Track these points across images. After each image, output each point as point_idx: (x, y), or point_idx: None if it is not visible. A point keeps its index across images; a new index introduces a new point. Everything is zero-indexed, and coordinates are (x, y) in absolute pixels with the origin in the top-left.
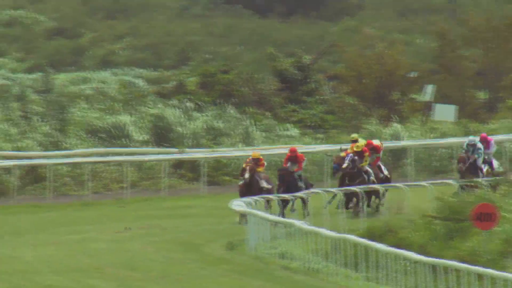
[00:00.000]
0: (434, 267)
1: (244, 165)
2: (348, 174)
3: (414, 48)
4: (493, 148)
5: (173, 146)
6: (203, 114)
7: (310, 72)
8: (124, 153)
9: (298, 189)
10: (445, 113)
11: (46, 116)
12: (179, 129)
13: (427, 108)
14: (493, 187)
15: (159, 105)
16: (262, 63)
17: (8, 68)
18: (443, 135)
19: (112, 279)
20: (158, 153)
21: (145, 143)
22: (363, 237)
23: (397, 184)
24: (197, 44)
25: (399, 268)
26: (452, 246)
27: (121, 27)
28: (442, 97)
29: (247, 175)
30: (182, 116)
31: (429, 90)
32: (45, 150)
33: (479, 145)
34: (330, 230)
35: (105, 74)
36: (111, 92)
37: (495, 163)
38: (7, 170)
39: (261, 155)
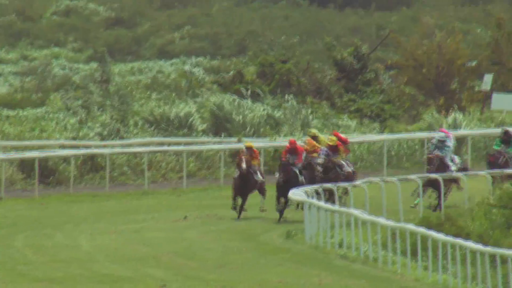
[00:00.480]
0: (492, 256)
1: (239, 156)
2: (323, 168)
3: (473, 37)
4: (452, 143)
5: (231, 135)
6: (262, 103)
7: (368, 62)
8: (182, 143)
9: (299, 183)
10: (504, 102)
11: (105, 106)
12: (237, 118)
13: (486, 97)
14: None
15: (217, 95)
16: (320, 52)
17: (66, 58)
18: (502, 124)
19: (169, 267)
20: (216, 143)
21: (203, 132)
22: (421, 226)
23: (457, 174)
24: (256, 34)
25: (458, 257)
26: (511, 235)
27: (179, 16)
28: (500, 87)
29: (244, 165)
30: (241, 105)
31: (488, 80)
32: (103, 140)
33: (448, 142)
34: (388, 219)
35: (163, 64)
36: (169, 81)
37: (456, 159)
38: (66, 159)
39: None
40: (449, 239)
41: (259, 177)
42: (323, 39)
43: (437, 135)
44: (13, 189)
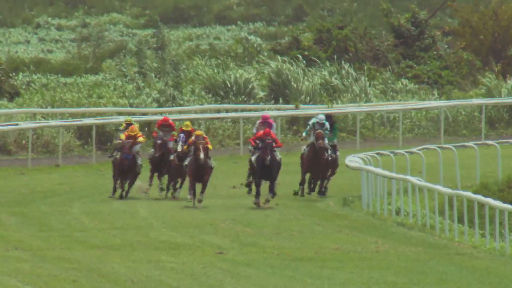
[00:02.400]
0: None
1: (196, 145)
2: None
3: None
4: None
5: (288, 102)
6: (319, 70)
7: (425, 28)
8: (239, 110)
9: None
10: None
11: (161, 73)
12: (295, 85)
13: None
14: None
15: (274, 61)
16: (378, 19)
17: (123, 23)
18: None
19: (226, 234)
20: (273, 109)
21: (262, 99)
22: (478, 193)
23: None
24: (313, 0)
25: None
26: None
27: None
28: None
29: (202, 156)
30: (298, 72)
31: None
32: (160, 106)
33: (327, 125)
34: (444, 187)
35: (221, 30)
36: (226, 48)
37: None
38: None
39: (378, 111)
40: (507, 206)
41: (211, 164)
42: (381, 5)
43: (316, 118)
44: (71, 156)
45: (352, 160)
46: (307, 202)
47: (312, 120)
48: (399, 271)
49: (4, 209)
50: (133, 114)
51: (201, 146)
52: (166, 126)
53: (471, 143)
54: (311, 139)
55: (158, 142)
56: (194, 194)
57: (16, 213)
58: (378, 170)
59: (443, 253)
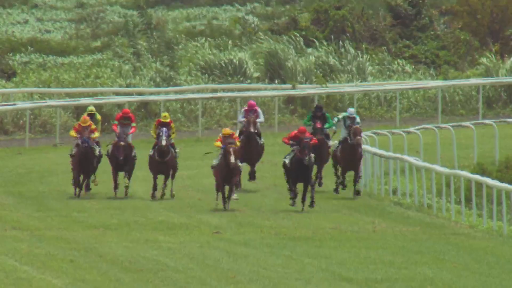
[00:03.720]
0: None
1: (219, 140)
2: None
3: None
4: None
5: (285, 82)
6: (316, 50)
7: (422, 8)
8: (236, 89)
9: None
10: None
11: (157, 53)
12: (291, 65)
13: None
14: None
15: (271, 42)
16: None
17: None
18: None
19: (223, 214)
20: (270, 89)
21: (258, 79)
22: (475, 172)
23: (510, 120)
24: None
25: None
26: None
27: None
28: None
29: (233, 160)
30: (295, 52)
31: None
32: (156, 87)
33: (358, 118)
34: (442, 166)
35: (217, 10)
36: (223, 28)
37: None
38: (120, 106)
39: (375, 91)
40: (504, 185)
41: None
42: None
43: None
44: (68, 135)
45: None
46: None
47: (342, 114)
48: (396, 251)
49: (2, 189)
50: (130, 94)
51: (231, 149)
52: (126, 118)
53: (468, 123)
54: (343, 133)
55: (122, 143)
56: (224, 196)
57: (13, 193)
58: (375, 150)
59: (440, 233)
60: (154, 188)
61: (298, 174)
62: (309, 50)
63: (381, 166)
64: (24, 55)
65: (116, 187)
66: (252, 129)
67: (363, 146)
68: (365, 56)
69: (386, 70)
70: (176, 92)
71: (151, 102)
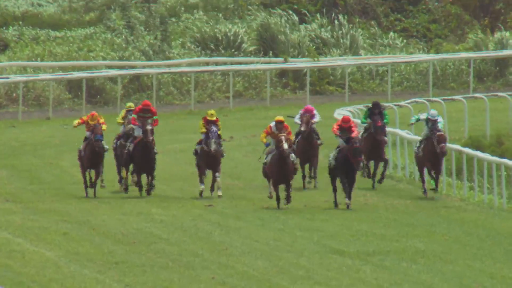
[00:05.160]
0: None
1: (267, 131)
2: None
3: None
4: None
5: (277, 55)
6: (309, 24)
7: None
8: (229, 63)
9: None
10: None
11: (150, 26)
12: (284, 38)
13: None
14: None
15: (264, 15)
16: None
17: None
18: None
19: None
20: (263, 63)
21: (251, 53)
22: (466, 146)
23: (501, 94)
24: None
25: (503, 177)
26: None
27: None
28: None
29: (286, 146)
30: (287, 25)
31: None
32: (149, 60)
33: (440, 119)
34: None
35: None
36: (216, 1)
37: None
38: (113, 79)
39: (367, 64)
40: (495, 159)
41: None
42: None
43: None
44: (61, 109)
45: (341, 113)
46: None
47: (424, 115)
48: (387, 224)
49: None
50: (122, 67)
51: (283, 137)
52: (146, 111)
53: (459, 97)
54: (424, 132)
55: (149, 127)
56: (279, 198)
57: (6, 165)
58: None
59: (431, 206)
60: (202, 181)
61: (344, 172)
62: (302, 24)
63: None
64: (17, 29)
65: (140, 187)
66: (303, 128)
67: (353, 120)
68: (358, 30)
69: (378, 44)
70: (167, 66)
71: (143, 75)
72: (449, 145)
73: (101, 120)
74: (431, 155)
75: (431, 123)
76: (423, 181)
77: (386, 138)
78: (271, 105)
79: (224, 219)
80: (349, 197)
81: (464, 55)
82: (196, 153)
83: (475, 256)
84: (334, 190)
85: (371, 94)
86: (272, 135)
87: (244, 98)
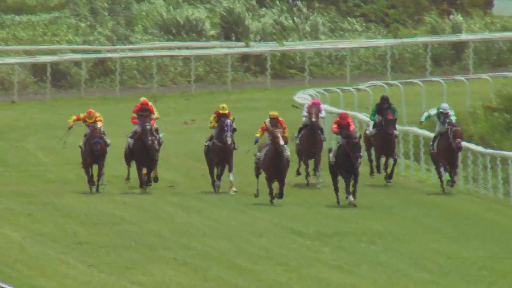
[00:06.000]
0: (493, 158)
1: (263, 127)
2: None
3: None
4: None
5: (239, 40)
6: (271, 9)
7: None
8: (191, 47)
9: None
10: (506, 7)
11: (113, 11)
12: (247, 23)
13: (488, 2)
14: None
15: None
16: None
17: None
18: (503, 28)
19: (178, 169)
20: (224, 47)
21: (213, 37)
22: (424, 128)
23: (458, 77)
24: None
25: (460, 159)
26: (511, 137)
27: None
28: None
29: (282, 142)
30: (249, 10)
31: None
32: (112, 44)
33: (452, 113)
34: None
35: None
36: None
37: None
38: (77, 63)
39: (326, 49)
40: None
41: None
42: None
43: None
44: (26, 92)
45: (301, 96)
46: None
47: (434, 111)
48: (346, 205)
49: None
50: (87, 51)
51: (278, 133)
52: (145, 110)
53: (416, 80)
54: (438, 128)
55: (148, 127)
56: (272, 193)
57: None
58: (326, 107)
59: (390, 188)
60: (218, 177)
61: (345, 168)
62: (263, 9)
63: (332, 122)
64: None
65: (142, 183)
66: (314, 119)
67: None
68: (318, 15)
69: (337, 29)
70: (131, 50)
71: (107, 59)
72: (406, 127)
73: (98, 117)
74: (446, 151)
75: (443, 116)
76: (440, 178)
77: (396, 132)
78: (232, 89)
79: (186, 201)
80: (353, 194)
81: (421, 39)
82: (208, 149)
83: (432, 237)
84: (336, 189)
85: (330, 78)
86: (268, 131)
87: (206, 82)
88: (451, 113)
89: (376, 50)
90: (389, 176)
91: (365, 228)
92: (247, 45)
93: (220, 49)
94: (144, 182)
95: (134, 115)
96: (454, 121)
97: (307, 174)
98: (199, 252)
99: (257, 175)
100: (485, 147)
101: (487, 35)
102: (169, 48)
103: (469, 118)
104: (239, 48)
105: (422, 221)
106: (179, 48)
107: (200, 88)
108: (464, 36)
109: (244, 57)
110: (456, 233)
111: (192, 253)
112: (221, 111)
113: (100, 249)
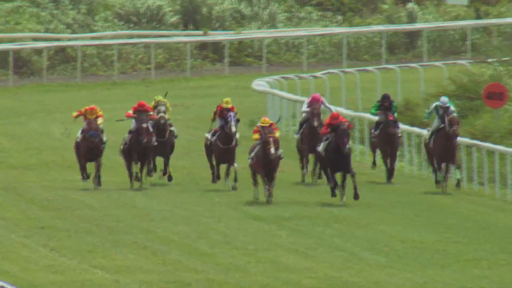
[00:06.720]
0: None
1: (256, 131)
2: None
3: None
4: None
5: (198, 28)
6: None
7: None
8: (151, 35)
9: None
10: None
11: (75, 0)
12: (205, 11)
13: None
14: None
15: None
16: None
17: None
18: (456, 17)
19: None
20: (183, 36)
21: (173, 25)
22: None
23: (412, 65)
24: None
25: (413, 145)
26: (464, 123)
27: None
28: None
29: (273, 150)
30: None
31: None
32: (74, 33)
33: (452, 107)
34: (347, 109)
35: None
36: None
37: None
38: (38, 51)
39: (284, 37)
40: (406, 127)
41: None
42: None
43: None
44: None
45: (259, 84)
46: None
47: (434, 104)
48: (303, 190)
49: None
50: (48, 39)
51: (271, 139)
52: (142, 112)
53: (372, 68)
54: (435, 123)
55: (144, 125)
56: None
57: None
58: (283, 94)
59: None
60: (217, 176)
61: (336, 162)
62: None
63: (289, 109)
64: None
65: (134, 177)
66: (316, 123)
67: (271, 90)
68: (276, 4)
69: (294, 17)
70: (92, 38)
71: (68, 47)
72: (361, 114)
73: (100, 113)
74: (441, 149)
75: (442, 110)
76: (434, 172)
77: (398, 130)
78: (191, 76)
79: (146, 186)
80: (354, 195)
81: (376, 28)
82: (210, 144)
83: (386, 221)
84: (330, 180)
85: (287, 66)
86: (260, 133)
87: (166, 70)
88: (452, 108)
89: (332, 38)
90: (389, 176)
91: (321, 212)
92: (205, 34)
93: (180, 37)
94: (134, 178)
95: (130, 112)
96: (455, 113)
97: (304, 169)
98: (159, 236)
99: (254, 177)
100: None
101: (440, 24)
102: (130, 36)
103: (424, 104)
104: (198, 36)
105: (376, 206)
106: (139, 36)
107: (160, 75)
108: (418, 25)
109: (203, 45)
110: (409, 217)
111: (152, 237)
112: (224, 105)
113: (61, 233)
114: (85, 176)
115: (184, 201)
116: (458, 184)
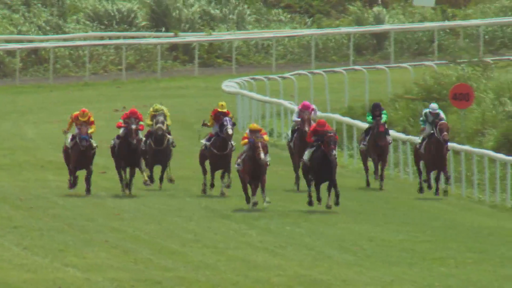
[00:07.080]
0: (413, 145)
1: (245, 137)
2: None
3: None
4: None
5: (168, 30)
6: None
7: None
8: (122, 37)
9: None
10: None
11: (46, 2)
12: (176, 13)
13: None
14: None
15: None
16: None
17: None
18: (423, 19)
19: (109, 155)
20: (153, 37)
21: (143, 27)
22: (346, 116)
23: (379, 66)
24: None
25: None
26: None
27: None
28: None
29: (262, 156)
30: (177, 1)
31: None
32: (46, 34)
33: (442, 114)
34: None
35: None
36: None
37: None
38: (11, 53)
39: (253, 38)
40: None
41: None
42: None
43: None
44: None
45: (228, 85)
46: (186, 124)
47: (425, 111)
48: (273, 189)
49: None
50: (21, 41)
51: (260, 143)
52: (134, 119)
53: (340, 69)
54: (426, 130)
55: (134, 127)
56: (253, 194)
57: None
58: (253, 94)
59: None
60: (211, 185)
61: (321, 171)
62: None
63: (258, 110)
64: None
65: (123, 185)
66: (307, 128)
67: (240, 91)
68: (245, 6)
69: (263, 19)
70: (64, 40)
71: (41, 49)
72: (329, 114)
73: (92, 119)
74: (431, 156)
75: (433, 116)
76: (420, 174)
77: (389, 137)
78: (162, 77)
79: (117, 185)
80: (335, 202)
81: (344, 30)
82: (204, 150)
83: (355, 220)
84: (310, 188)
85: (256, 67)
86: (248, 138)
87: (136, 71)
88: (442, 114)
89: (300, 39)
90: (380, 177)
91: (290, 211)
92: (175, 35)
93: (150, 38)
94: (127, 182)
95: (121, 121)
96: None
97: (297, 178)
98: (130, 235)
99: (245, 188)
100: (407, 135)
101: (407, 25)
102: (101, 38)
103: (391, 105)
104: (169, 38)
105: (345, 205)
106: (110, 38)
107: (131, 76)
108: (385, 27)
109: (173, 47)
110: (377, 216)
111: (123, 236)
112: (219, 109)
113: (34, 232)
114: (72, 183)
115: (154, 200)
116: (445, 193)
